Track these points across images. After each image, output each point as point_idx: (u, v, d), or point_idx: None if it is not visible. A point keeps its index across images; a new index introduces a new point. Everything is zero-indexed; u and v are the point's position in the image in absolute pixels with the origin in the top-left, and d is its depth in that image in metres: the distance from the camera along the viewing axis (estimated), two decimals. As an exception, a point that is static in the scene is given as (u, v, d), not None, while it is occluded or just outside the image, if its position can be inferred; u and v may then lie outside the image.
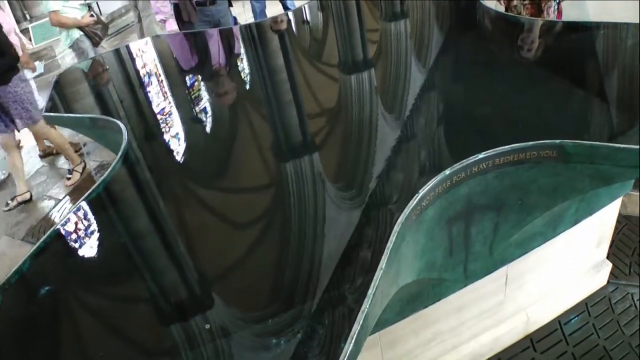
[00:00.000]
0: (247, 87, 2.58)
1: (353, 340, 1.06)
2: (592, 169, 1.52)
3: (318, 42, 3.02)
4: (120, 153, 1.87)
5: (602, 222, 2.24)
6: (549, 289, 2.27)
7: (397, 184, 1.66)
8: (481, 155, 1.48)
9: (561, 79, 2.04)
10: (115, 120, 2.12)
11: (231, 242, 1.55)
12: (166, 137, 2.17)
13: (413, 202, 1.35)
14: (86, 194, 1.69)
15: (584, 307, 2.39)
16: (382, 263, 1.21)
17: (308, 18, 3.35)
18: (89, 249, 1.58)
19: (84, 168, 4.40)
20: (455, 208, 1.53)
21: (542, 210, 1.68)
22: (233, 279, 1.43)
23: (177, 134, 2.20)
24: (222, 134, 2.22)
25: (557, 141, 1.49)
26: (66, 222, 1.64)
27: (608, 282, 2.46)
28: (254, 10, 5.71)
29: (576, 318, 2.35)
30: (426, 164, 1.75)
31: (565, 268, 2.26)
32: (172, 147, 2.09)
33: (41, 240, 1.53)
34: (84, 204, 1.67)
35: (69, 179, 4.32)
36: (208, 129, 2.27)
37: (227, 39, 3.28)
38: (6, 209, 4.16)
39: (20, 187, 4.19)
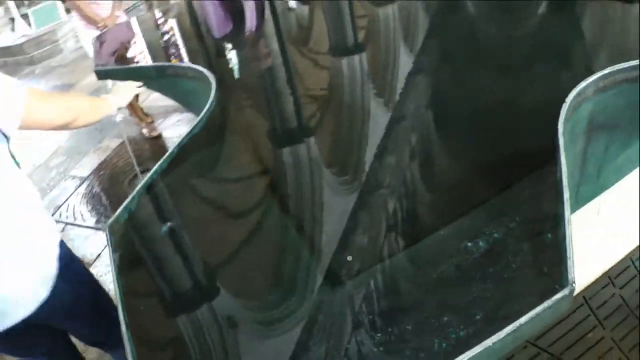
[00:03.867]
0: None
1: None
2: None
3: (306, 29, 2.98)
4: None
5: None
6: (621, 224, 2.36)
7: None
8: (606, 71, 1.57)
9: None
10: (194, 65, 2.12)
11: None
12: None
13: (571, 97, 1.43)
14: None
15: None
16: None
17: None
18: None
19: None
20: (582, 125, 1.62)
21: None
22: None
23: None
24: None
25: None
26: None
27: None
28: None
29: (646, 254, 2.46)
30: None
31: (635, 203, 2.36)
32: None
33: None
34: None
35: None
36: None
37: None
38: None
39: None
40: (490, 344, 0.88)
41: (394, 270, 1.23)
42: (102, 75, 2.72)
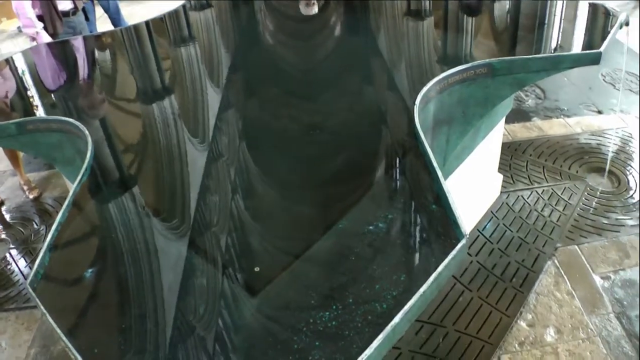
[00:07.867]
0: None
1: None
2: (511, 78, 2.07)
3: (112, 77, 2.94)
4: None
5: (494, 143, 2.86)
6: (465, 204, 2.81)
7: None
8: (442, 75, 1.94)
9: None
10: (59, 117, 2.08)
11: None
12: None
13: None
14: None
15: (491, 214, 3.00)
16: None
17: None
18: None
19: None
20: (428, 122, 1.96)
21: (477, 118, 2.19)
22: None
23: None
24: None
25: (487, 60, 2.02)
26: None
27: (501, 192, 3.13)
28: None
29: (489, 223, 2.94)
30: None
31: (473, 184, 2.83)
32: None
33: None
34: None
35: None
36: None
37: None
38: None
39: None
40: (422, 292, 1.11)
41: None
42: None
